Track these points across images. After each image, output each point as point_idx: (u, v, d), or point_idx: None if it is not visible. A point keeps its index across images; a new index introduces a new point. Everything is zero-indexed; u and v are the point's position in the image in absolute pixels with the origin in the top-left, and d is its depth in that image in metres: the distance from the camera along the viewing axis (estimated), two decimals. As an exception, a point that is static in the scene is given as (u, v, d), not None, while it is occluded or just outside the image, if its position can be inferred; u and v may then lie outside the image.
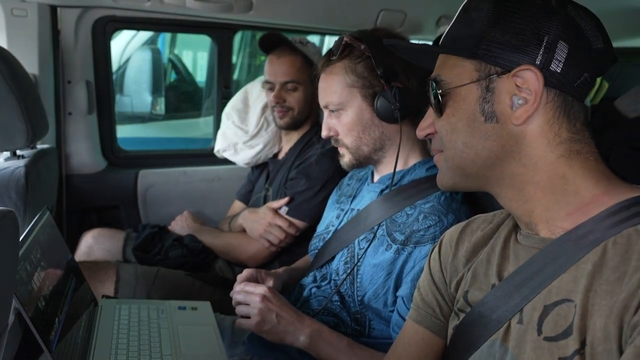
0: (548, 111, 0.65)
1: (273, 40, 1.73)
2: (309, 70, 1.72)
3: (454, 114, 0.70)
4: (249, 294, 1.10)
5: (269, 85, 1.75)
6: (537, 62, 0.63)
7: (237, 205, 2.02)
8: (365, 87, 1.15)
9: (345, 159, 1.23)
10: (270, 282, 1.21)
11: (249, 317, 1.09)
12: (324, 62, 1.21)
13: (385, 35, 1.15)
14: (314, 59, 1.71)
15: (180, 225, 1.92)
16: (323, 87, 1.21)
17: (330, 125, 1.21)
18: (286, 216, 1.63)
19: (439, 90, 0.71)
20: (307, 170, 1.66)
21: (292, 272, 1.38)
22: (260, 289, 1.09)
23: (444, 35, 0.72)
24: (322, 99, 1.22)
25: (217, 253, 1.78)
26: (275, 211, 1.64)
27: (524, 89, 0.64)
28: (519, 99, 0.65)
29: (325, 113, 1.23)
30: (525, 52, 0.64)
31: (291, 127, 1.78)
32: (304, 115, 1.76)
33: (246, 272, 1.20)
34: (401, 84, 1.12)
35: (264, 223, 1.64)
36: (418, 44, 0.83)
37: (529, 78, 0.64)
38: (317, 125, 1.82)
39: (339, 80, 1.17)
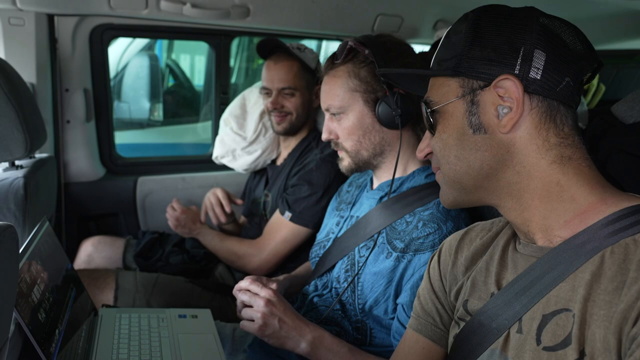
0: (534, 117, 0.67)
1: (271, 46, 1.73)
2: (306, 76, 1.72)
3: (445, 130, 0.73)
4: (254, 295, 1.09)
5: (266, 91, 1.75)
6: (516, 72, 0.66)
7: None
8: (368, 92, 1.16)
9: (345, 162, 1.23)
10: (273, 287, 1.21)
11: (252, 320, 1.08)
12: (327, 65, 1.21)
13: (390, 42, 1.15)
14: (311, 65, 1.71)
15: (181, 222, 1.76)
16: (326, 89, 1.21)
17: (330, 128, 1.22)
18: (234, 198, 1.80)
19: (428, 110, 0.74)
20: (309, 176, 1.66)
21: (292, 279, 1.38)
22: (266, 292, 1.08)
23: (432, 61, 0.77)
24: (324, 102, 1.22)
25: (222, 259, 1.77)
26: (223, 191, 1.82)
27: (506, 98, 0.67)
28: (503, 108, 0.67)
29: (327, 116, 1.23)
30: (504, 64, 0.67)
31: (289, 132, 1.78)
32: (302, 121, 1.76)
33: (248, 279, 1.18)
34: (403, 90, 1.13)
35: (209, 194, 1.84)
36: (407, 70, 0.87)
37: (509, 87, 0.66)
38: (315, 130, 1.82)
39: (342, 84, 1.17)
